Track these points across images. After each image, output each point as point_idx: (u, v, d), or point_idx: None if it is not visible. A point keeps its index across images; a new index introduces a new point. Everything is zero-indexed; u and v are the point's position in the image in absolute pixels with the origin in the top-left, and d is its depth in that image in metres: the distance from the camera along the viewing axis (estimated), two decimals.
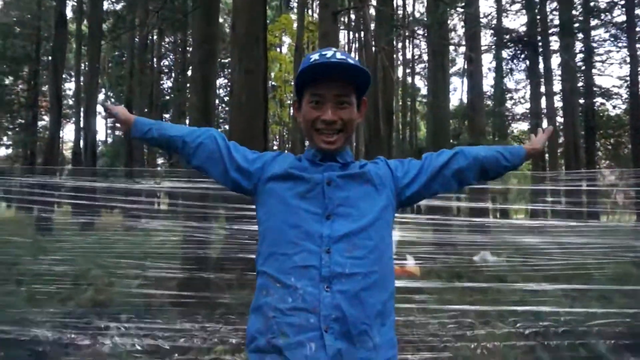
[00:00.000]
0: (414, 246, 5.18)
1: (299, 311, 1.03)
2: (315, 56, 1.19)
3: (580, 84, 19.03)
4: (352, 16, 21.16)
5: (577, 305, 3.64)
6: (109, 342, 2.70)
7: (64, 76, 20.03)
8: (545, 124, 19.43)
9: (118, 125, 1.47)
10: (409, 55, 31.69)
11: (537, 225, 5.53)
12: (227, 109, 27.32)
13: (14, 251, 5.28)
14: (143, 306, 3.38)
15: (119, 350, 2.62)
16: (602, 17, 17.45)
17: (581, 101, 18.63)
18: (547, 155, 18.26)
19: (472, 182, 1.35)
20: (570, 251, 4.59)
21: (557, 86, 19.01)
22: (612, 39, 18.09)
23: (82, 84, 22.40)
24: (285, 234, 1.12)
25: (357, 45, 26.30)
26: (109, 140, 36.63)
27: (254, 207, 1.32)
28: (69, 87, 30.30)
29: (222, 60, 26.24)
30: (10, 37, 23.89)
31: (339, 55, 1.18)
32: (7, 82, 26.84)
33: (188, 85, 24.20)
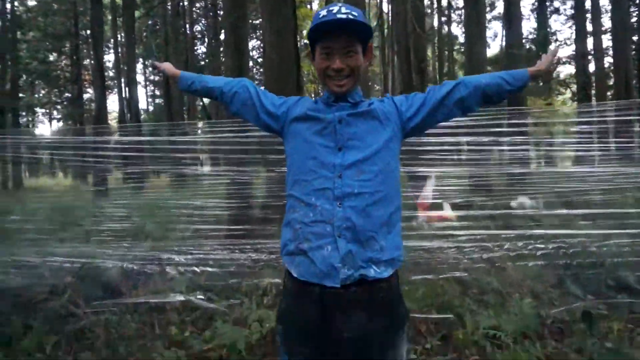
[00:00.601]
0: (451, 187, 5.21)
1: (318, 223, 1.31)
2: (323, 12, 1.38)
3: (633, 19, 17.67)
4: None
5: (609, 237, 3.65)
6: (172, 271, 3.14)
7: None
8: (592, 65, 18.33)
9: (159, 76, 1.72)
10: (444, 3, 30.20)
11: (581, 154, 5.23)
12: (261, 70, 27.39)
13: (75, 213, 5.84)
14: (198, 240, 3.81)
15: (182, 277, 3.04)
16: None
17: (634, 38, 17.36)
18: (594, 98, 17.32)
19: (475, 108, 1.51)
20: (613, 177, 4.41)
21: (607, 23, 17.75)
22: None
23: (120, 55, 23.07)
24: (306, 165, 1.37)
25: None
26: (150, 108, 37.85)
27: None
28: (108, 58, 31.23)
29: (254, 22, 26.07)
30: (49, 15, 24.72)
31: (344, 10, 1.35)
32: (51, 58, 28.01)
33: (222, 49, 24.39)
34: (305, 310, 1.33)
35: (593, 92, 18.16)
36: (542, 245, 3.39)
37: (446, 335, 3.04)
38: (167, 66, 1.73)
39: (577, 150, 5.41)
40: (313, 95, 32.37)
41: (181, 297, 3.05)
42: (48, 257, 3.56)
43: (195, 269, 3.16)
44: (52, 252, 3.66)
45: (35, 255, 3.60)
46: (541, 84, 25.19)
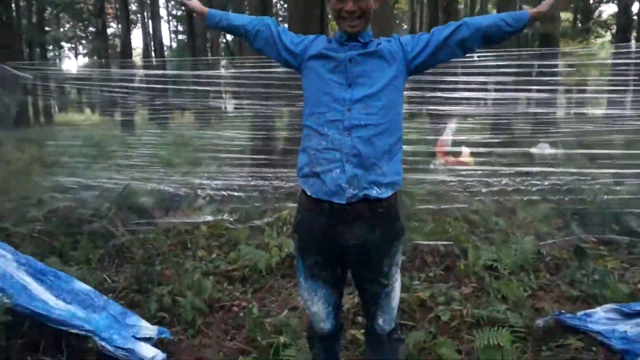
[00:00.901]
0: (472, 126, 5.22)
1: (329, 150, 1.52)
2: None
3: None
4: None
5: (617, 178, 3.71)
6: (202, 194, 3.48)
7: None
8: (636, 6, 17.17)
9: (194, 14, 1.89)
10: None
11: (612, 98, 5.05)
12: (285, 6, 26.59)
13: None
14: (224, 167, 4.11)
15: (210, 201, 3.36)
16: None
17: None
18: (633, 41, 16.33)
19: (476, 49, 1.65)
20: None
21: None
22: None
23: None
24: (320, 99, 1.56)
25: None
26: (174, 45, 37.54)
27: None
28: None
29: None
30: None
31: None
32: None
33: None
34: (316, 222, 1.57)
35: (634, 34, 17.08)
36: (539, 182, 3.53)
37: (449, 267, 3.30)
38: (195, 3, 1.86)
39: (610, 93, 5.24)
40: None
41: (210, 218, 3.39)
42: (90, 180, 3.92)
43: (223, 192, 3.48)
44: (93, 176, 4.02)
45: (78, 177, 3.97)
46: (579, 25, 23.78)
